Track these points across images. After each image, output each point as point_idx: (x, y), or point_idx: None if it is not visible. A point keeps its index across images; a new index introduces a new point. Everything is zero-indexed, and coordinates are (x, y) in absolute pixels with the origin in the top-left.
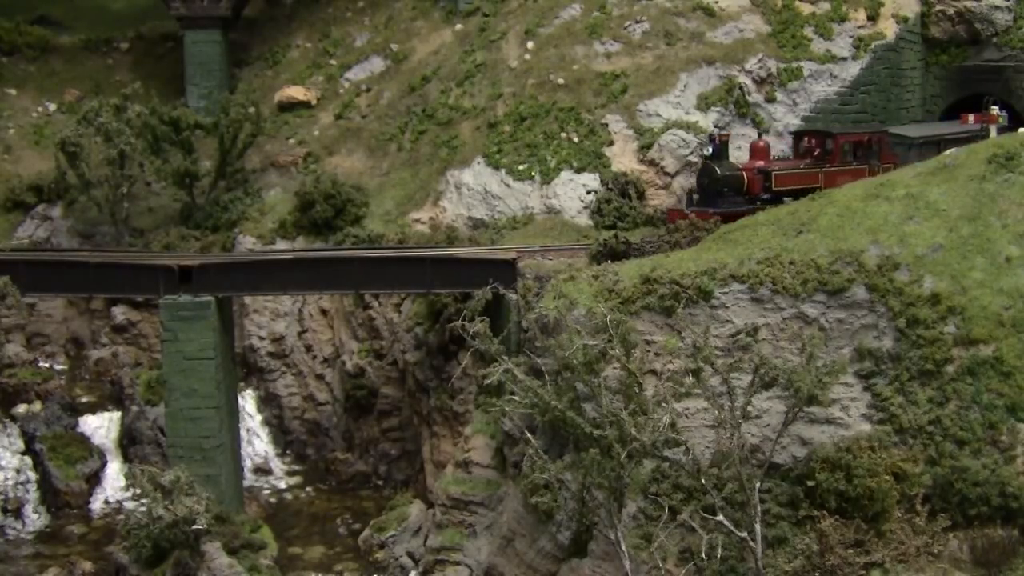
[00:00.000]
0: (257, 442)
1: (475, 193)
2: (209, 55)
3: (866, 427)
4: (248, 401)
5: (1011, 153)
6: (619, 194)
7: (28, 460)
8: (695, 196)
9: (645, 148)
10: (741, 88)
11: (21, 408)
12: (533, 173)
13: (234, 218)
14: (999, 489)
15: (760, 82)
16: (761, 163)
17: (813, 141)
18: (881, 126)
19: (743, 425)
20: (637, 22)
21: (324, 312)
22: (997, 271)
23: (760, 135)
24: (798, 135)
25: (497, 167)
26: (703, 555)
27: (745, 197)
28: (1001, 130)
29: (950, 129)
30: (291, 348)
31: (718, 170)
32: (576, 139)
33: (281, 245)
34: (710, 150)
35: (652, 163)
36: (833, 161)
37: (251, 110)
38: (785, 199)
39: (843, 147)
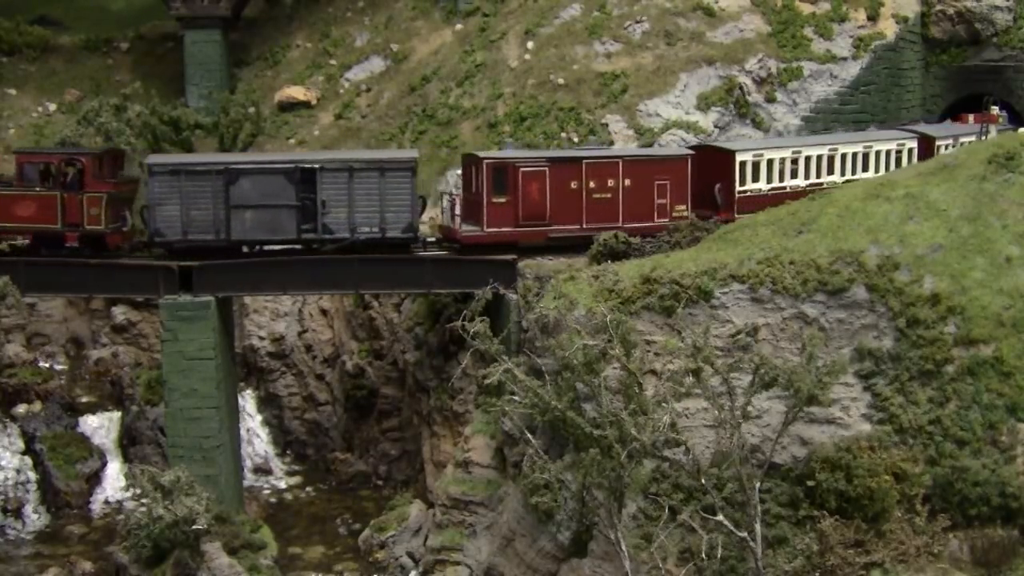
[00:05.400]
0: (257, 442)
1: None
2: (209, 55)
3: (866, 427)
4: (248, 401)
5: (1011, 153)
6: None
7: (28, 460)
8: None
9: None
10: (741, 88)
11: (21, 408)
12: None
13: None
14: (999, 489)
15: (760, 82)
16: None
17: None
18: (98, 149)
19: (743, 425)
20: (637, 22)
21: (324, 312)
22: (997, 271)
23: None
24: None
25: None
26: (703, 555)
27: None
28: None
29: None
30: (291, 348)
31: None
32: (576, 139)
33: None
34: None
35: None
36: (14, 184)
37: (251, 110)
38: None
39: (25, 169)
